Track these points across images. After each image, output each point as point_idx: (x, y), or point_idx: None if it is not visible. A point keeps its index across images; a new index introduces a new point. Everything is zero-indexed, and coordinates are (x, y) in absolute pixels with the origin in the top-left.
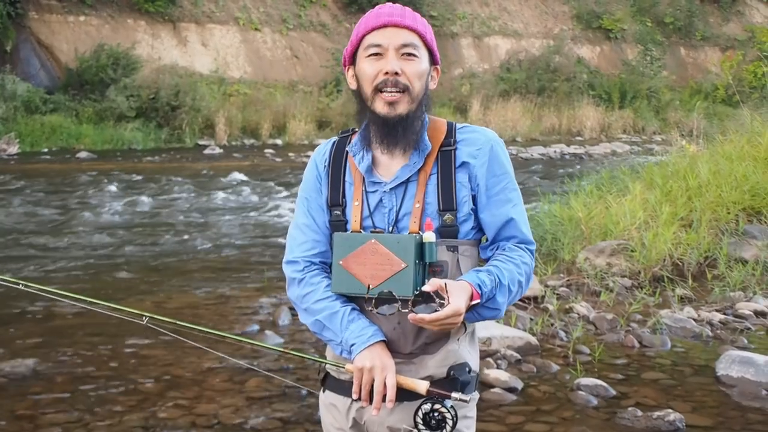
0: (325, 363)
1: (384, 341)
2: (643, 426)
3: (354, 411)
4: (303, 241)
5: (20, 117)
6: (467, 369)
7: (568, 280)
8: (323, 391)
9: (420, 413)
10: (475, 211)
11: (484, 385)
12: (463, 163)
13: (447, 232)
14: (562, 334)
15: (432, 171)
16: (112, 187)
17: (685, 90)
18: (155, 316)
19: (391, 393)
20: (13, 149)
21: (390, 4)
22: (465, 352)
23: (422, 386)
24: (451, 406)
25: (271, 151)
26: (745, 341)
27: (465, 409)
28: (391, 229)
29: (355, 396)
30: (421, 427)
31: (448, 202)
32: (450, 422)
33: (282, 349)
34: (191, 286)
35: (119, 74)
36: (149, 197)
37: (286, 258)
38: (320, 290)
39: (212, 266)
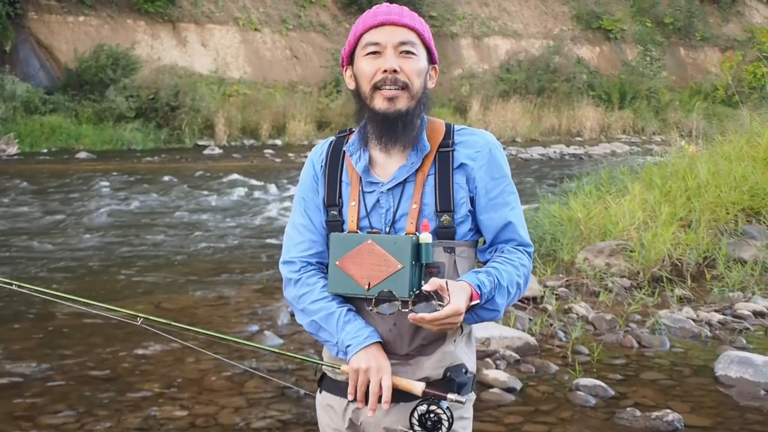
0: (321, 364)
1: (380, 342)
2: (641, 426)
3: (350, 412)
4: (300, 241)
5: (19, 117)
6: (464, 370)
7: (567, 281)
8: (320, 392)
9: (416, 414)
10: (472, 212)
11: (483, 385)
12: (461, 165)
13: (444, 233)
14: (561, 334)
15: (429, 172)
16: (112, 188)
17: (685, 90)
18: (150, 317)
19: (386, 394)
20: (13, 150)
21: (387, 3)
22: (462, 353)
23: (418, 387)
24: (447, 408)
25: (270, 151)
26: (744, 341)
27: (461, 409)
28: (388, 229)
29: (350, 397)
30: (416, 428)
31: (445, 203)
32: (446, 423)
33: (278, 351)
34: (190, 287)
35: (119, 74)
36: (148, 198)
37: (283, 258)
38: (316, 291)
39: (211, 267)
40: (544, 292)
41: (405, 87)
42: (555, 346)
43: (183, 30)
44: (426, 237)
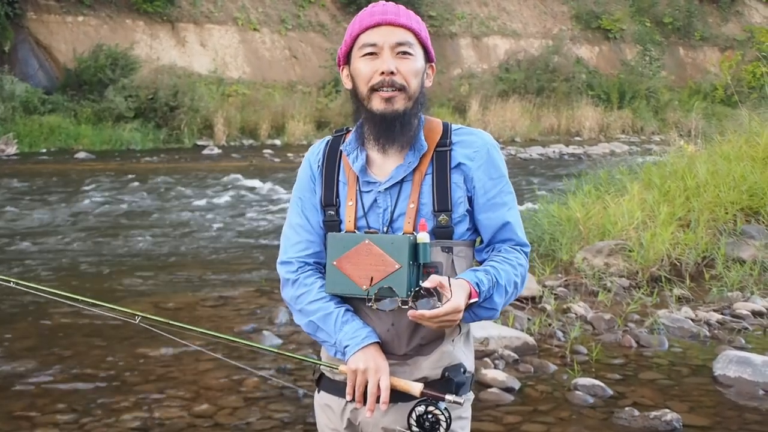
0: (319, 364)
1: (378, 343)
2: (640, 426)
3: (348, 412)
4: (297, 241)
5: (18, 117)
6: (462, 370)
7: (565, 280)
8: (318, 392)
9: (413, 415)
10: (470, 212)
11: (482, 385)
12: (459, 164)
13: (442, 232)
14: (560, 334)
15: (427, 171)
16: (110, 188)
17: (684, 90)
18: (148, 316)
19: (384, 395)
20: (12, 150)
21: (383, 2)
22: (460, 352)
23: (416, 388)
24: (445, 408)
25: (269, 151)
26: (743, 341)
27: (460, 409)
28: (385, 229)
29: (348, 397)
30: (414, 428)
31: (443, 202)
32: (444, 424)
33: (276, 350)
34: (188, 287)
35: (118, 74)
36: (147, 198)
37: (280, 258)
38: (314, 291)
39: (210, 266)
40: (543, 291)
41: (402, 89)
42: (553, 346)
43: (182, 30)
44: (423, 237)
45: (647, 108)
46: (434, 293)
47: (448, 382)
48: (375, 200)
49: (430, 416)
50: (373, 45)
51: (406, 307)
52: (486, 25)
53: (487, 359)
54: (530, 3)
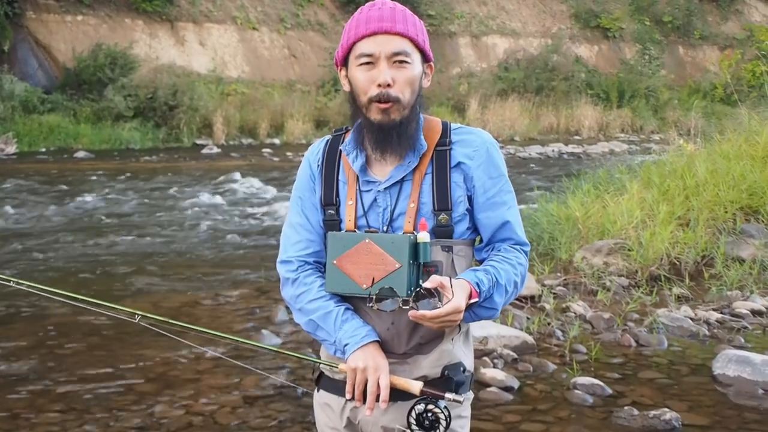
0: (319, 363)
1: (378, 341)
2: (639, 425)
3: (348, 410)
4: (297, 240)
5: (18, 117)
6: (462, 369)
7: (565, 280)
8: (317, 391)
9: (413, 414)
10: (470, 211)
11: (481, 384)
12: (459, 164)
13: (442, 232)
14: (559, 333)
15: (427, 171)
16: (110, 187)
17: (684, 89)
18: (147, 315)
19: (384, 393)
20: (11, 149)
21: (379, 4)
22: (459, 351)
23: (416, 387)
24: (445, 407)
25: (268, 150)
26: (742, 340)
27: (459, 408)
28: (385, 228)
29: (348, 396)
30: (414, 427)
31: (443, 201)
32: (443, 423)
33: (276, 349)
34: (188, 286)
35: (117, 74)
36: (146, 197)
37: (280, 257)
38: (314, 290)
39: (209, 266)
40: (542, 290)
41: (397, 100)
42: (553, 345)
43: (181, 29)
44: (424, 236)
45: (646, 107)
46: (435, 294)
47: (448, 380)
48: (375, 199)
49: (429, 415)
50: (370, 55)
51: (407, 307)
52: (485, 24)
53: (486, 358)
54: (529, 2)
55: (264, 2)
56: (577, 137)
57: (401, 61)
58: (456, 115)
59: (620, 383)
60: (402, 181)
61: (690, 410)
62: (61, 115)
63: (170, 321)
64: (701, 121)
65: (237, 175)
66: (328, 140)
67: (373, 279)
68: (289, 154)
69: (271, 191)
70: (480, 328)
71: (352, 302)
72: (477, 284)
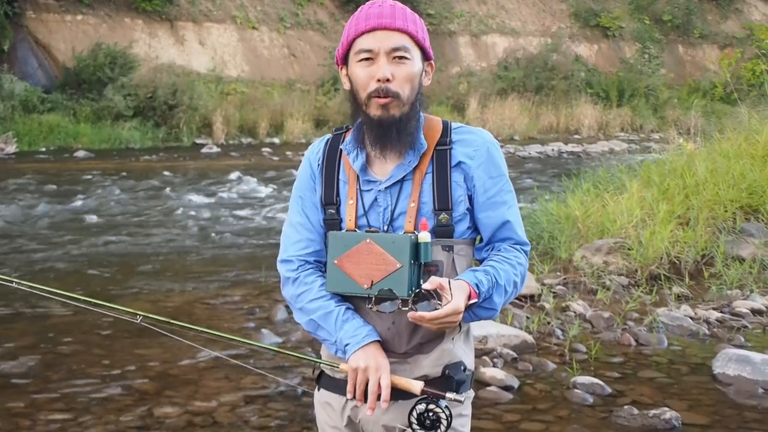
0: (320, 363)
1: (378, 341)
2: (639, 424)
3: (349, 409)
4: (297, 239)
5: (18, 116)
6: (462, 368)
7: (564, 279)
8: (318, 390)
9: (414, 413)
10: (470, 210)
11: (480, 384)
12: (459, 163)
13: (442, 231)
14: (559, 332)
15: (427, 170)
16: (110, 186)
17: (683, 88)
18: (149, 315)
19: (385, 393)
20: (11, 148)
21: (380, 2)
22: (460, 350)
23: (417, 386)
24: (446, 406)
25: (268, 149)
26: (742, 339)
27: (460, 407)
28: (386, 228)
29: (349, 396)
30: (415, 426)
31: (443, 201)
32: (444, 422)
33: (275, 349)
34: (188, 285)
35: (117, 73)
36: (146, 196)
37: (281, 257)
38: (314, 289)
39: (209, 265)
40: (542, 290)
41: (396, 96)
42: (552, 344)
43: (181, 28)
44: (425, 236)
45: (646, 106)
46: (434, 295)
47: (449, 380)
48: (375, 199)
49: (430, 414)
50: (369, 51)
51: (407, 309)
52: (485, 23)
53: (485, 358)
54: (529, 1)
55: (264, 2)
56: (576, 136)
57: (401, 57)
58: (455, 114)
59: (620, 382)
60: (402, 180)
61: (690, 409)
62: (60, 115)
63: (172, 321)
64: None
65: (236, 175)
66: (328, 139)
67: (372, 281)
68: (288, 153)
69: (271, 190)
70: (480, 328)
71: (353, 302)
72: (476, 285)
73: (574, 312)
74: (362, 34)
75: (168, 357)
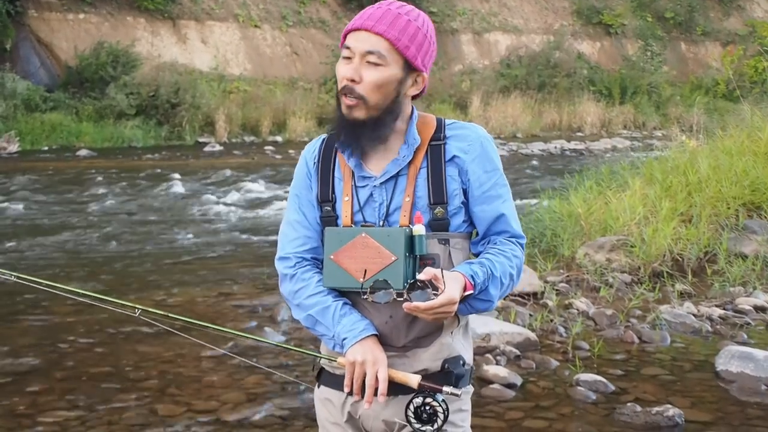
0: (318, 357)
1: (376, 335)
2: (642, 421)
3: (349, 405)
4: (294, 237)
5: (20, 115)
6: (461, 362)
7: (567, 276)
8: (318, 386)
9: (411, 407)
10: (465, 204)
11: (483, 381)
12: (453, 157)
13: (438, 225)
14: (562, 330)
15: (422, 165)
16: (112, 185)
17: (686, 85)
18: (148, 309)
19: (382, 386)
20: (13, 147)
21: (382, 4)
22: (459, 345)
23: (414, 380)
24: (443, 400)
25: (271, 148)
26: (745, 336)
27: (459, 402)
28: (381, 223)
29: (346, 389)
30: (412, 420)
31: (438, 195)
32: (441, 416)
33: (275, 343)
34: (190, 283)
35: (119, 72)
36: (148, 195)
37: (278, 254)
38: (312, 285)
39: (211, 263)
40: (545, 287)
41: (361, 98)
42: (555, 342)
43: (183, 27)
44: (419, 229)
45: (649, 103)
46: (429, 285)
47: (448, 374)
48: (371, 195)
49: (427, 408)
50: (349, 49)
51: (401, 299)
52: (487, 21)
53: (488, 355)
54: None
55: (266, 0)
56: (579, 134)
57: (374, 62)
58: (458, 112)
59: (623, 380)
60: (397, 175)
61: (693, 406)
62: (63, 114)
63: (170, 315)
64: (703, 117)
65: (239, 173)
66: (324, 138)
67: (366, 271)
68: (291, 151)
69: (274, 188)
70: (482, 325)
71: (350, 297)
72: (472, 276)
73: (577, 309)
74: (350, 31)
75: (171, 355)
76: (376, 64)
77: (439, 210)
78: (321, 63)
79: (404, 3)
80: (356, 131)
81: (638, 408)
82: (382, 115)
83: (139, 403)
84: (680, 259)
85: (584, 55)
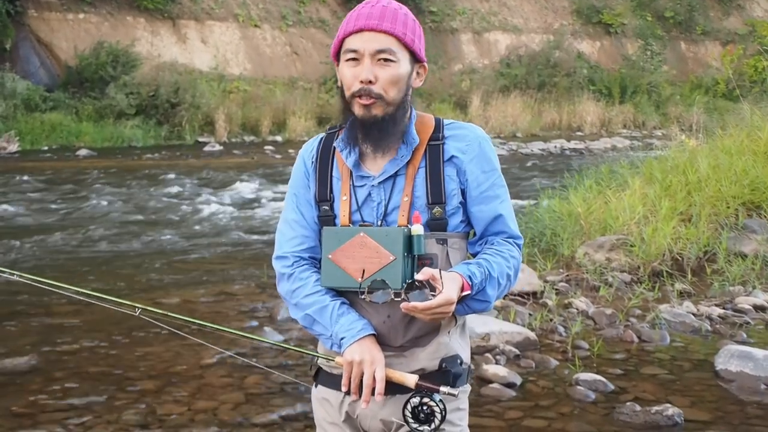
0: (315, 356)
1: (374, 335)
2: (641, 421)
3: (347, 405)
4: (292, 236)
5: (20, 115)
6: (459, 361)
7: (567, 275)
8: (315, 386)
9: (409, 407)
10: (463, 204)
11: (483, 381)
12: (452, 157)
13: (436, 225)
14: (561, 329)
15: (420, 165)
16: (112, 185)
17: (686, 84)
18: (148, 308)
19: (380, 386)
20: (13, 147)
21: (373, 2)
22: (456, 344)
23: (411, 380)
24: (440, 400)
25: (271, 147)
26: (744, 335)
27: (457, 401)
28: (379, 222)
29: (344, 389)
30: (410, 420)
31: (436, 195)
32: (438, 416)
33: (276, 343)
34: (189, 283)
35: (119, 72)
36: (148, 194)
37: (276, 254)
38: (310, 285)
39: (211, 263)
40: (544, 287)
41: (379, 97)
42: (555, 341)
43: (183, 27)
44: (417, 228)
45: (649, 103)
46: (427, 286)
47: (446, 373)
48: (369, 194)
49: (425, 408)
50: (355, 51)
51: (399, 299)
52: (487, 21)
53: (488, 355)
54: None
55: (266, 0)
56: (579, 133)
57: (386, 59)
58: (458, 112)
59: (622, 379)
60: (395, 175)
61: (692, 406)
62: (63, 113)
63: (170, 314)
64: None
65: (239, 173)
66: (322, 138)
67: (363, 271)
68: (291, 151)
69: (273, 188)
70: (482, 324)
71: (348, 296)
72: (469, 277)
73: (577, 309)
74: (350, 34)
75: (170, 355)
76: (389, 61)
77: (437, 210)
78: (321, 63)
79: None
80: (373, 130)
81: (638, 407)
82: (396, 110)
83: (139, 403)
84: (680, 258)
85: (584, 55)
